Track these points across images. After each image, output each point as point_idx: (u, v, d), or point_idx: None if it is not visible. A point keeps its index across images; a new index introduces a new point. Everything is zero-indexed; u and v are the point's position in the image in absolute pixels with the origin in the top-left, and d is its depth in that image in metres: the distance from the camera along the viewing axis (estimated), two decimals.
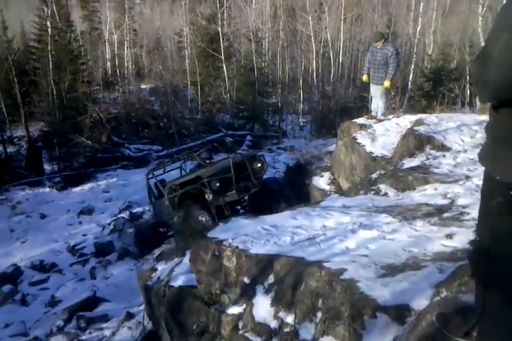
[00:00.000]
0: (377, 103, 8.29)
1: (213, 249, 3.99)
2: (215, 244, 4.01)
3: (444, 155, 5.95)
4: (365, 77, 8.27)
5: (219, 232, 4.24)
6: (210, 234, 4.21)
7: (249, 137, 19.42)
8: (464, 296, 2.44)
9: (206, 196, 7.60)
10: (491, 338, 1.93)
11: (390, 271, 3.07)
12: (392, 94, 9.56)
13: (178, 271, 4.65)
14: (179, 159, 9.76)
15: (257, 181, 7.76)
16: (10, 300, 7.49)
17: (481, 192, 1.90)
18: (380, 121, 8.12)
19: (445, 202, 4.35)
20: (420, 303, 2.65)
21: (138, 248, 8.39)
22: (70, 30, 24.29)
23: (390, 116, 8.44)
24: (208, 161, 8.66)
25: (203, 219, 7.18)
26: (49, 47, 18.39)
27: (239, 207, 8.41)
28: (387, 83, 7.88)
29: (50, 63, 17.77)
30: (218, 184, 7.45)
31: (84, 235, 10.17)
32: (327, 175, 8.17)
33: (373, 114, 8.42)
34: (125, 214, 10.78)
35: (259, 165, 8.01)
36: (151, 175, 8.85)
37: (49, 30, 19.04)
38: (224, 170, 7.57)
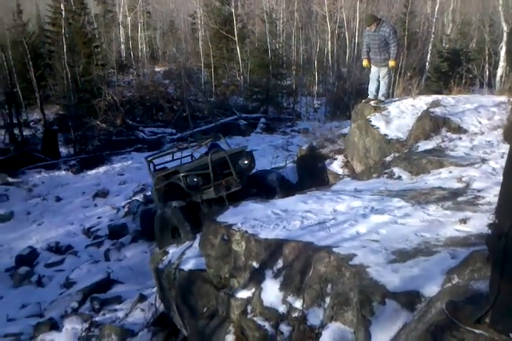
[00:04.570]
0: (375, 86, 8.06)
1: (222, 233, 3.96)
2: (224, 228, 3.98)
3: (461, 138, 5.81)
4: (365, 62, 8.02)
5: (228, 216, 4.20)
6: (220, 218, 4.17)
7: (263, 120, 19.26)
8: (475, 283, 2.37)
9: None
10: (505, 325, 1.87)
11: (401, 256, 3.01)
12: (409, 74, 9.35)
13: (188, 255, 4.65)
14: (179, 149, 9.31)
15: (240, 179, 7.28)
16: (26, 281, 7.62)
17: (503, 172, 1.83)
18: (381, 102, 7.94)
19: (460, 185, 4.26)
20: (431, 290, 2.60)
21: (144, 234, 8.41)
22: (84, 13, 24.18)
23: (396, 98, 8.24)
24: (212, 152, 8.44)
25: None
26: (63, 31, 18.33)
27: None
28: (392, 63, 7.64)
29: (65, 46, 17.74)
30: (196, 179, 7.12)
31: (99, 217, 10.23)
32: (340, 158, 8.07)
33: (370, 97, 8.19)
34: (139, 197, 10.81)
35: (246, 161, 7.58)
36: (147, 163, 8.56)
37: (63, 13, 18.95)
38: (205, 165, 7.19)
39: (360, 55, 8.31)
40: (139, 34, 30.72)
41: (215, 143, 9.14)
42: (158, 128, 18.44)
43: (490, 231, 1.94)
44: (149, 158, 8.72)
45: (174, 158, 9.40)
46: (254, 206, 4.43)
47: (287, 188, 7.48)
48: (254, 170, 7.95)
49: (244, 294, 3.67)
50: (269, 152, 12.41)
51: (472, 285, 2.37)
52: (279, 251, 3.58)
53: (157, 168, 8.95)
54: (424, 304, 2.56)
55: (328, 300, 3.03)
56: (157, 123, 19.14)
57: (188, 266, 4.46)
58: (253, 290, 3.61)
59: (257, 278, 3.63)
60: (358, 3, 26.90)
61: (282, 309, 3.29)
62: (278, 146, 13.97)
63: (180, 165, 8.68)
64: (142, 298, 5.77)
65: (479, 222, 3.30)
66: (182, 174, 7.12)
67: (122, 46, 30.28)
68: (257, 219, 4.04)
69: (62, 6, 19.43)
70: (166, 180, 7.65)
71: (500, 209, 1.86)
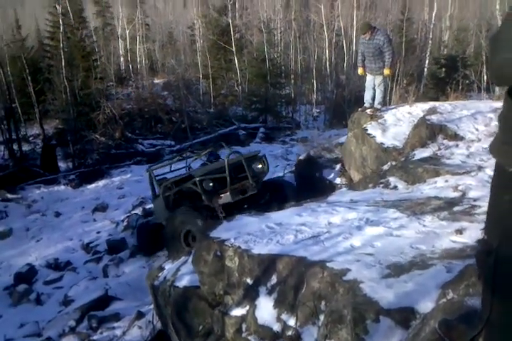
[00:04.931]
0: (370, 94, 8.05)
1: (215, 250, 3.90)
2: (217, 244, 3.91)
3: (457, 145, 5.76)
4: (360, 70, 8.05)
5: (222, 231, 4.14)
6: (213, 234, 4.11)
7: (262, 129, 19.20)
8: (470, 299, 2.31)
9: (203, 197, 7.15)
10: None
11: (396, 270, 2.95)
12: (405, 82, 9.32)
13: (183, 271, 4.58)
14: (183, 158, 9.24)
15: (256, 183, 7.22)
16: (25, 299, 7.51)
17: (491, 186, 1.77)
18: (377, 110, 7.92)
19: (456, 194, 4.20)
20: (425, 306, 2.53)
21: (140, 249, 8.35)
22: (83, 27, 24.34)
23: (392, 106, 8.23)
24: (214, 161, 8.39)
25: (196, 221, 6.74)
26: (61, 45, 18.42)
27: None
28: (387, 71, 7.66)
29: (63, 60, 17.81)
30: (212, 184, 6.98)
31: (99, 232, 10.12)
32: (338, 167, 8.02)
33: (366, 105, 8.18)
34: (138, 211, 10.73)
35: (260, 166, 7.52)
36: (150, 173, 8.47)
37: (61, 27, 19.07)
38: (219, 169, 7.11)
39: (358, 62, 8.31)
40: (138, 46, 30.88)
41: (214, 153, 9.10)
42: (157, 140, 18.39)
43: (479, 248, 1.88)
44: (152, 168, 8.66)
45: (172, 169, 9.33)
46: (248, 220, 4.37)
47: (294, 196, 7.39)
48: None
49: (238, 312, 3.59)
50: (268, 161, 12.34)
51: (466, 302, 2.30)
52: (273, 266, 3.52)
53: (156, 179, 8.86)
54: (418, 321, 2.49)
55: (322, 317, 2.96)
56: (156, 135, 19.10)
57: (183, 282, 4.39)
58: (247, 307, 3.53)
59: (251, 295, 3.56)
60: (355, 11, 27.00)
61: (276, 327, 3.21)
62: (277, 156, 13.91)
63: (186, 172, 8.56)
64: (140, 315, 5.68)
65: (475, 233, 3.22)
66: (198, 178, 6.97)
67: (121, 59, 30.46)
68: (251, 234, 3.98)
69: (60, 20, 19.54)
70: (175, 187, 7.55)
71: (489, 225, 1.79)
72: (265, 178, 7.94)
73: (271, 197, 7.49)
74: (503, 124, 1.66)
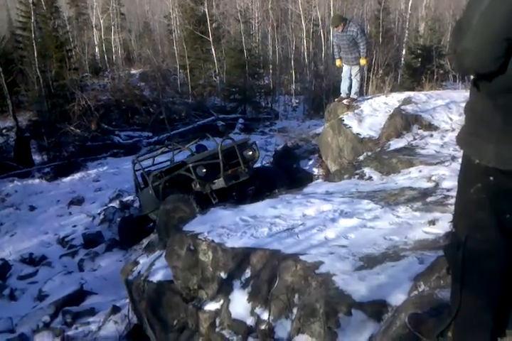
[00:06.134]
0: (346, 84, 8.09)
1: (189, 244, 3.84)
2: (190, 238, 3.86)
3: (432, 135, 5.79)
4: (338, 62, 8.09)
5: (195, 225, 4.09)
6: (186, 228, 4.06)
7: (241, 120, 19.04)
8: (440, 292, 2.31)
9: (192, 184, 7.25)
10: (466, 340, 1.80)
11: (369, 262, 2.94)
12: (380, 72, 9.34)
13: (158, 265, 4.52)
14: (169, 149, 9.24)
15: (248, 169, 7.30)
16: None
17: (458, 178, 1.74)
18: (354, 100, 7.95)
19: (429, 185, 4.21)
20: (398, 299, 2.52)
21: (121, 243, 8.26)
22: (56, 17, 23.70)
23: (369, 96, 8.27)
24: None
25: (190, 207, 6.83)
26: (33, 35, 17.93)
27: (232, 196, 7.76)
28: (363, 61, 7.72)
29: (35, 51, 17.35)
30: (205, 170, 7.02)
31: (74, 226, 9.93)
32: (315, 158, 8.01)
33: (343, 95, 8.22)
34: (115, 204, 10.56)
35: (251, 153, 7.56)
36: (136, 163, 8.38)
37: (32, 17, 18.54)
38: (212, 156, 7.18)
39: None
40: (113, 36, 30.32)
41: (202, 144, 9.03)
42: (134, 131, 18.07)
43: (447, 241, 1.86)
44: (140, 158, 8.54)
45: (154, 163, 9.20)
46: (222, 213, 4.33)
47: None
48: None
49: (212, 306, 3.56)
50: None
51: (437, 294, 2.30)
52: (247, 260, 3.48)
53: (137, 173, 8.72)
54: (390, 314, 2.48)
55: (295, 311, 2.94)
56: (133, 126, 18.78)
57: (157, 277, 4.33)
58: (221, 301, 3.50)
59: (225, 289, 3.52)
60: (331, 1, 26.88)
61: (250, 321, 3.19)
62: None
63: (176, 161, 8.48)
64: (115, 309, 5.59)
65: (448, 223, 3.23)
66: (191, 164, 6.99)
67: (96, 49, 29.88)
68: (225, 227, 3.94)
69: (31, 9, 18.99)
70: (165, 176, 7.52)
71: (457, 218, 1.77)
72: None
73: (261, 183, 7.53)
74: (469, 115, 1.63)
